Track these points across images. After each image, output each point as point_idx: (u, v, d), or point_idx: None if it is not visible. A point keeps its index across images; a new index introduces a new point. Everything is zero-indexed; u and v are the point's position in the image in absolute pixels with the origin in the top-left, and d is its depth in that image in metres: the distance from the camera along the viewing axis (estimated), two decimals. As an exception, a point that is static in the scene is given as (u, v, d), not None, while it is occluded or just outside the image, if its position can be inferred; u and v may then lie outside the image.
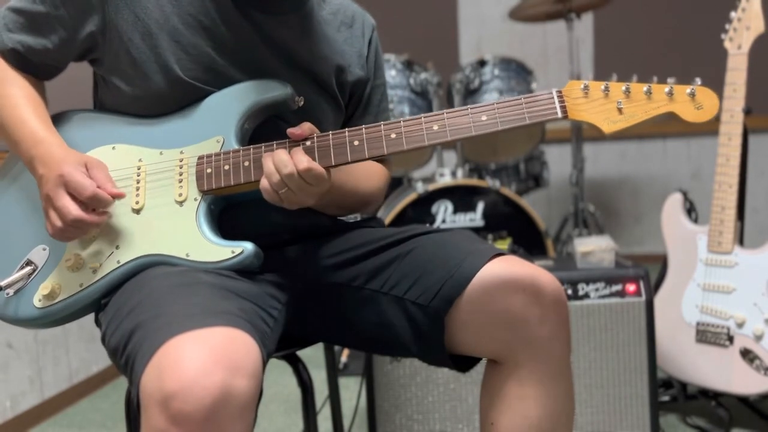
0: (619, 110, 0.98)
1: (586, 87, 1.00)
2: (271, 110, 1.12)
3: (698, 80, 0.99)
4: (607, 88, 0.99)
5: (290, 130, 1.05)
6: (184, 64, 1.09)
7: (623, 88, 0.98)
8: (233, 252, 1.03)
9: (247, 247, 1.03)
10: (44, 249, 1.10)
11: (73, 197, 1.02)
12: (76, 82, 1.40)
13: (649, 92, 0.98)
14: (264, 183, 1.03)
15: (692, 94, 0.97)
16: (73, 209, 1.01)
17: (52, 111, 1.18)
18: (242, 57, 1.12)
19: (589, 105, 1.00)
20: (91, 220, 1.02)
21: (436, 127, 1.03)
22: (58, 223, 1.02)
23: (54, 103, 1.21)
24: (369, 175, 1.27)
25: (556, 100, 1.01)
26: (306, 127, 1.06)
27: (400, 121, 1.04)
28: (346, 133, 1.05)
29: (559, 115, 1.00)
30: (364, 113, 1.29)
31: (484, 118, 1.02)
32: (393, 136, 1.04)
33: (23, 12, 1.13)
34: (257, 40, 1.12)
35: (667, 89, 0.97)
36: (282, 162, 1.01)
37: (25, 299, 1.09)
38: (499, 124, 1.01)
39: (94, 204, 1.02)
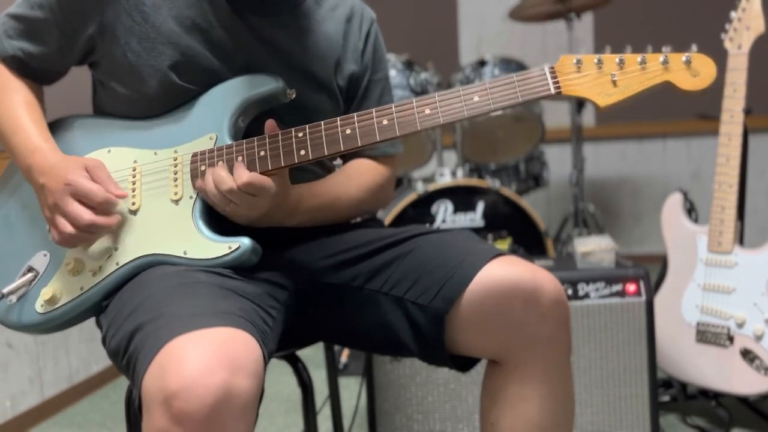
0: (614, 83, 0.96)
1: (579, 61, 0.98)
2: (264, 104, 1.11)
3: (694, 47, 0.97)
4: (600, 61, 0.97)
5: (269, 122, 1.05)
6: (180, 67, 1.09)
7: (617, 59, 0.96)
8: (230, 248, 1.02)
9: (244, 242, 1.03)
10: (45, 255, 1.10)
11: (82, 203, 1.02)
12: (76, 86, 1.40)
13: (643, 62, 0.95)
14: (210, 201, 1.04)
15: (688, 62, 0.95)
16: (86, 214, 1.02)
17: (52, 116, 1.18)
18: (239, 59, 1.12)
19: (583, 79, 0.98)
20: (105, 222, 1.03)
21: (428, 111, 1.01)
22: (69, 229, 1.02)
23: (54, 108, 1.21)
24: (358, 181, 1.25)
25: (548, 76, 0.99)
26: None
27: (391, 107, 1.03)
28: (338, 122, 1.04)
29: (552, 91, 0.98)
30: (362, 109, 1.27)
31: (476, 98, 1.00)
32: (385, 122, 1.02)
33: (22, 18, 1.13)
34: (254, 42, 1.12)
35: (662, 58, 0.95)
36: (220, 179, 1.01)
37: (27, 305, 1.09)
38: (491, 104, 0.99)
39: (104, 207, 1.03)
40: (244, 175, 1.00)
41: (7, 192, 1.17)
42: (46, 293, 1.07)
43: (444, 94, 1.01)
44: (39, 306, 1.08)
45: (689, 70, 0.95)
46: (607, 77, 0.97)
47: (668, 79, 0.95)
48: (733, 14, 1.88)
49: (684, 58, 0.95)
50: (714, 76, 0.95)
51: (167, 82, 1.09)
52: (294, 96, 1.12)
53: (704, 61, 0.95)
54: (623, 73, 0.96)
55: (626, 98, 0.97)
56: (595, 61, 0.97)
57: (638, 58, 0.96)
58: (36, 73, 1.17)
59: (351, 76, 1.23)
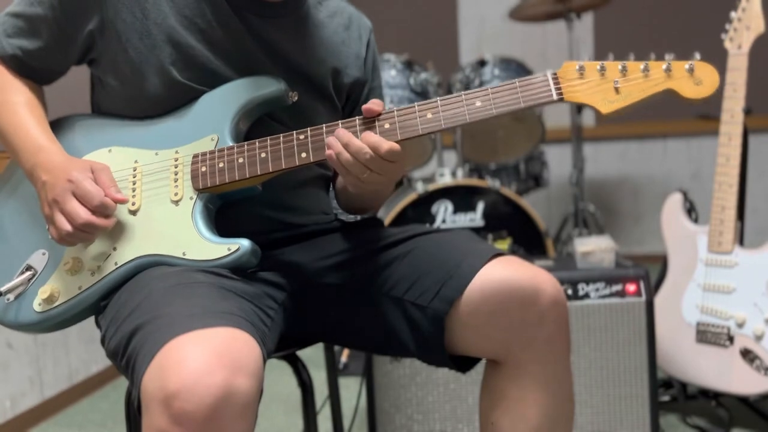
0: (616, 90, 0.96)
1: (581, 68, 0.98)
2: (266, 107, 1.12)
3: (697, 55, 0.97)
4: (603, 68, 0.97)
5: (366, 107, 1.03)
6: (179, 65, 1.09)
7: (620, 66, 0.96)
8: (229, 249, 1.02)
9: (244, 244, 1.03)
10: (43, 253, 1.10)
11: (81, 203, 1.02)
12: (75, 86, 1.40)
13: (646, 70, 0.96)
14: (350, 179, 1.02)
15: (691, 70, 0.95)
16: (83, 213, 1.01)
17: (52, 115, 1.18)
18: (237, 59, 1.12)
19: (585, 86, 0.98)
20: (101, 223, 1.02)
21: (430, 115, 1.02)
22: (67, 227, 1.02)
23: (53, 108, 1.21)
24: None
25: (551, 82, 0.99)
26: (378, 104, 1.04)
27: (393, 110, 1.03)
28: (340, 125, 1.04)
29: (555, 97, 0.98)
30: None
31: (478, 104, 1.00)
32: (387, 126, 1.03)
33: (22, 16, 1.13)
34: (252, 43, 1.12)
35: (664, 66, 0.95)
36: (359, 148, 0.99)
37: (25, 304, 1.09)
38: (493, 109, 1.00)
39: (102, 211, 1.03)
40: (384, 144, 0.99)
41: (7, 190, 1.17)
42: (44, 292, 1.07)
43: (446, 99, 1.01)
44: (37, 305, 1.08)
45: (692, 78, 0.95)
46: (610, 84, 0.97)
47: (671, 87, 0.96)
48: (733, 14, 1.88)
49: (687, 66, 0.95)
50: (717, 84, 0.95)
51: (168, 79, 1.09)
52: (296, 98, 1.12)
53: (707, 70, 0.95)
54: (626, 80, 0.96)
55: (628, 105, 0.97)
56: (598, 67, 0.97)
57: (641, 65, 0.96)
58: (35, 73, 1.16)
59: (355, 82, 1.24)
